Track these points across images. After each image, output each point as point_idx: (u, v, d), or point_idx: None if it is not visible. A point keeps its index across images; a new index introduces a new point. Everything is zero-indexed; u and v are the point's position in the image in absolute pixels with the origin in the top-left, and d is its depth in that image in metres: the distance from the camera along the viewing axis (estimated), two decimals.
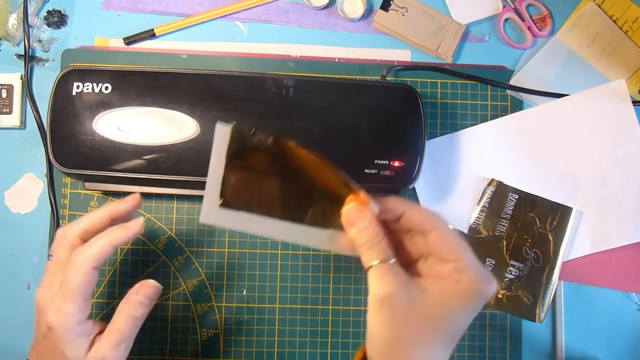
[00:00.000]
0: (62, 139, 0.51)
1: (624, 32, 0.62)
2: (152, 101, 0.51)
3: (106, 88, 0.51)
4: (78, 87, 0.51)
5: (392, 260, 0.37)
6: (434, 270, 0.39)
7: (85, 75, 0.51)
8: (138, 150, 0.51)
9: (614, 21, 0.62)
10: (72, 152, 0.51)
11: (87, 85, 0.51)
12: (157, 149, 0.51)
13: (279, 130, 0.52)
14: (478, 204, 0.58)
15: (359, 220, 0.38)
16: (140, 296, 0.44)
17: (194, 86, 0.52)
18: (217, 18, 0.60)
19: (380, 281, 0.36)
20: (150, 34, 0.59)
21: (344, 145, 0.52)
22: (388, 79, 0.58)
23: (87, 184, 0.53)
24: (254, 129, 0.41)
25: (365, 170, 0.52)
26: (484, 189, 0.58)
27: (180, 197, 0.58)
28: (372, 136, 0.53)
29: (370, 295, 0.37)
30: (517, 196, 0.57)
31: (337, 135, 0.52)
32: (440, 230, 0.38)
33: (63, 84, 0.51)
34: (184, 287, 0.57)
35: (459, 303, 0.37)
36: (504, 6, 0.62)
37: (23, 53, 0.58)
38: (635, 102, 0.60)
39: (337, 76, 0.58)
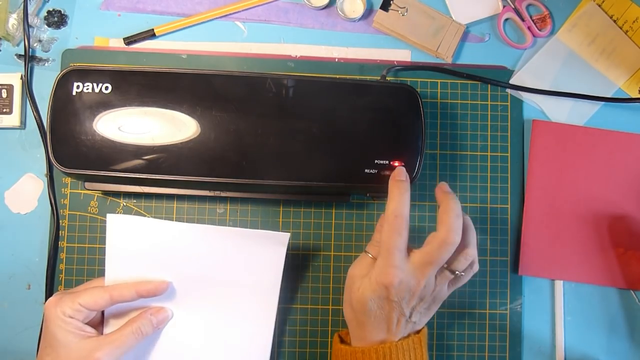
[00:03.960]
0: (62, 139, 0.51)
1: (624, 32, 0.62)
2: (152, 101, 0.51)
3: (106, 88, 0.51)
4: (78, 87, 0.51)
5: (371, 256, 0.49)
6: None
7: (85, 75, 0.51)
8: (138, 150, 0.51)
9: (614, 21, 0.62)
10: (72, 152, 0.51)
11: (87, 85, 0.51)
12: (157, 149, 0.51)
13: (279, 130, 0.52)
14: None
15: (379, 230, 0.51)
16: (154, 318, 0.49)
17: (194, 86, 0.52)
18: (217, 18, 0.60)
19: (356, 263, 0.50)
20: (150, 34, 0.59)
21: (344, 145, 0.52)
22: (388, 79, 0.58)
23: (87, 184, 0.53)
24: None
25: (366, 170, 0.52)
26: None
27: (180, 197, 0.58)
28: (373, 136, 0.53)
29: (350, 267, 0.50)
30: None
31: (337, 135, 0.52)
32: (442, 209, 0.48)
33: (63, 84, 0.51)
34: None
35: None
36: (504, 6, 0.62)
37: (23, 53, 0.58)
38: (635, 100, 0.60)
39: (337, 76, 0.58)
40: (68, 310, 0.45)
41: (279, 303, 0.53)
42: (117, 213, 0.52)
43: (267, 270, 0.52)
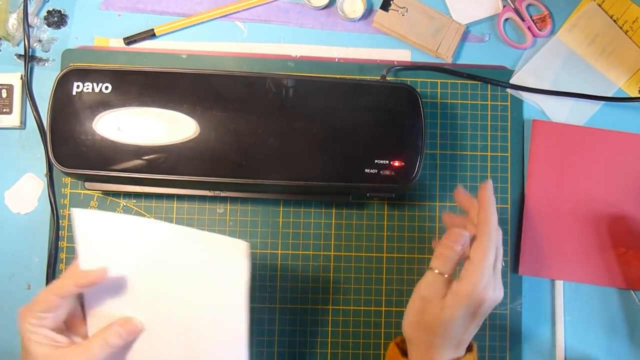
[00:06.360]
0: (62, 139, 0.51)
1: (624, 32, 0.62)
2: (152, 101, 0.51)
3: (106, 88, 0.51)
4: (78, 86, 0.51)
5: (447, 276, 0.45)
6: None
7: (85, 75, 0.51)
8: (138, 150, 0.51)
9: (614, 21, 0.62)
10: (72, 152, 0.51)
11: (87, 85, 0.51)
12: (157, 149, 0.51)
13: (279, 130, 0.52)
14: None
15: (456, 240, 0.46)
16: (122, 329, 0.46)
17: (194, 86, 0.52)
18: (217, 18, 0.60)
19: (429, 284, 0.46)
20: (150, 34, 0.59)
21: (344, 145, 0.52)
22: (388, 78, 0.58)
23: (87, 184, 0.53)
24: None
25: (366, 170, 0.52)
26: None
27: (180, 197, 0.58)
28: (373, 136, 0.53)
29: (418, 287, 0.46)
30: None
31: (337, 135, 0.52)
32: (479, 232, 0.46)
33: (63, 83, 0.51)
34: None
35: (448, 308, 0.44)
36: (504, 6, 0.62)
37: (23, 53, 0.58)
38: (635, 100, 0.60)
39: (338, 76, 0.58)
40: (33, 320, 0.44)
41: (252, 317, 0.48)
42: (90, 208, 0.47)
43: (228, 282, 0.47)
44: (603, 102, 0.61)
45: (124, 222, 0.46)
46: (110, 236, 0.46)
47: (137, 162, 0.51)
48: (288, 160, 0.52)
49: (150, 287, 0.47)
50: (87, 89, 0.51)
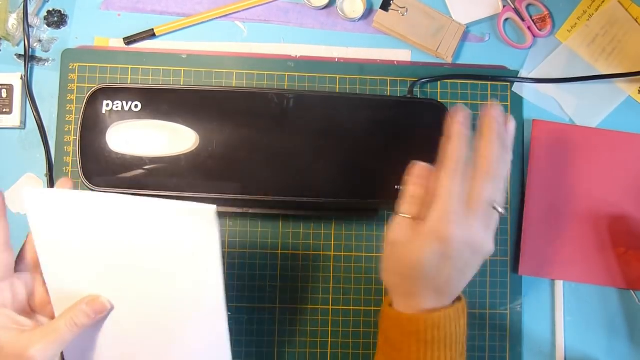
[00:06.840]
0: (92, 157, 0.50)
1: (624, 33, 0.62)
2: (182, 119, 0.51)
3: (136, 106, 0.51)
4: (107, 105, 0.51)
5: (409, 216, 0.43)
6: None
7: (114, 93, 0.51)
8: (171, 169, 0.50)
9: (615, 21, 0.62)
10: (102, 169, 0.50)
11: (117, 104, 0.51)
12: (189, 166, 0.50)
13: (309, 148, 0.51)
14: None
15: (415, 174, 0.44)
16: (88, 308, 0.45)
17: (225, 104, 0.51)
18: (217, 18, 0.60)
19: (394, 228, 0.44)
20: (150, 34, 0.59)
21: (374, 161, 0.52)
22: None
23: None
24: None
25: (396, 187, 0.51)
26: None
27: None
28: (403, 152, 0.51)
29: (386, 233, 0.44)
30: None
31: (366, 151, 0.52)
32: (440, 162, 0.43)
33: (92, 102, 0.51)
34: None
35: (418, 245, 0.42)
36: (504, 6, 0.62)
37: (23, 53, 0.58)
38: None
39: (364, 94, 0.58)
40: None
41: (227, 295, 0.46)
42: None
43: (199, 252, 0.45)
44: (619, 103, 0.61)
45: (81, 198, 0.44)
46: (68, 214, 0.44)
47: (171, 180, 0.50)
48: (320, 177, 0.51)
49: (116, 264, 0.45)
50: (117, 107, 0.51)
